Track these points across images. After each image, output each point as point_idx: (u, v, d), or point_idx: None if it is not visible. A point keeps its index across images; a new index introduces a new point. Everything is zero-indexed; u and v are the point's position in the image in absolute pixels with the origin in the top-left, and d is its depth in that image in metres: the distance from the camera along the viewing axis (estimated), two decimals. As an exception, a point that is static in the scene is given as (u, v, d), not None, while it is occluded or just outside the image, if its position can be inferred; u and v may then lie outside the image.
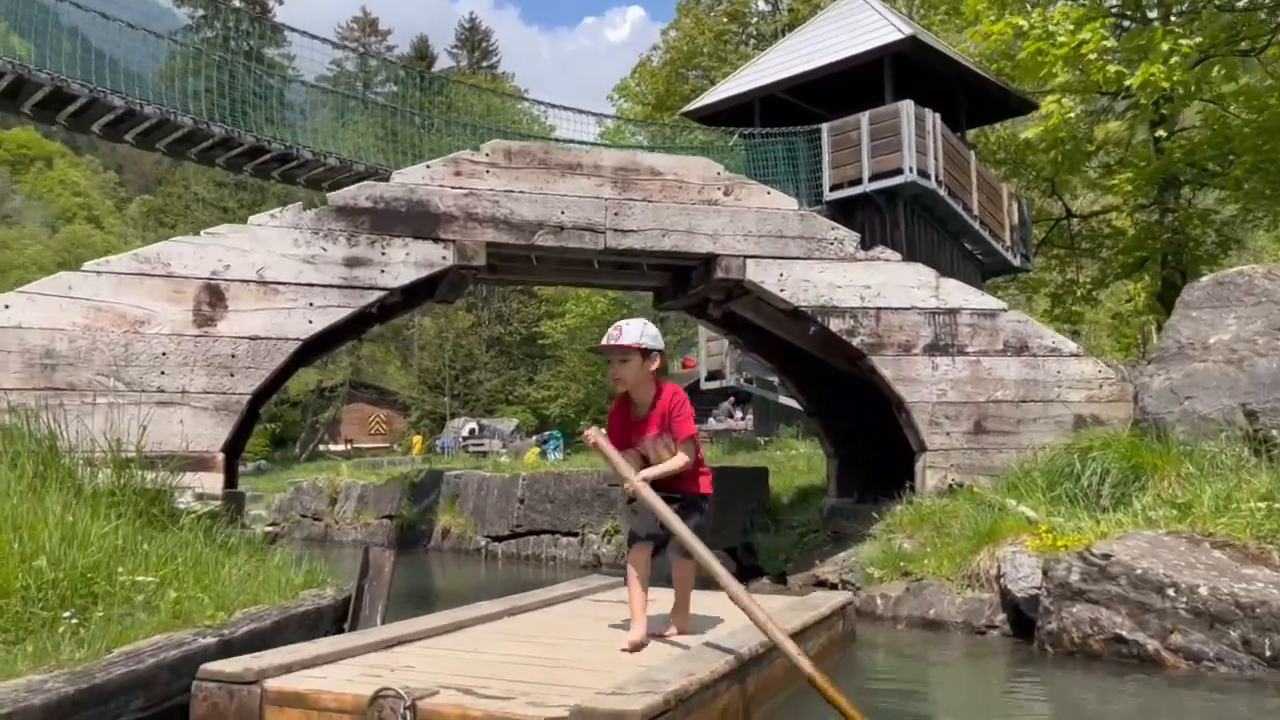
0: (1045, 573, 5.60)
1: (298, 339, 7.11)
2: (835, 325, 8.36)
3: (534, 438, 30.87)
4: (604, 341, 4.24)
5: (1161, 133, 19.11)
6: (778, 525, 10.21)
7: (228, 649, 4.15)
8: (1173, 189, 21.72)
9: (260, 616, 4.62)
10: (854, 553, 8.22)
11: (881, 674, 5.47)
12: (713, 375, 23.06)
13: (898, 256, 8.71)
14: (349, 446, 45.92)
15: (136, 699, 3.59)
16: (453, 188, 7.58)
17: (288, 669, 3.64)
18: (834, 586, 8.27)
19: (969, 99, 19.22)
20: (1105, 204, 25.16)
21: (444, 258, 7.50)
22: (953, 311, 8.63)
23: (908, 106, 16.60)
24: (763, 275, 8.21)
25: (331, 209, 7.33)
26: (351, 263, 7.30)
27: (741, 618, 4.03)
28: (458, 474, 15.67)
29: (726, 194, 8.20)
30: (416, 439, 37.16)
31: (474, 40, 60.56)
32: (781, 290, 8.24)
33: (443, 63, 57.58)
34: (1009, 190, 21.90)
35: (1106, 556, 5.24)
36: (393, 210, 7.43)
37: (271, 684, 3.48)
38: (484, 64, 59.79)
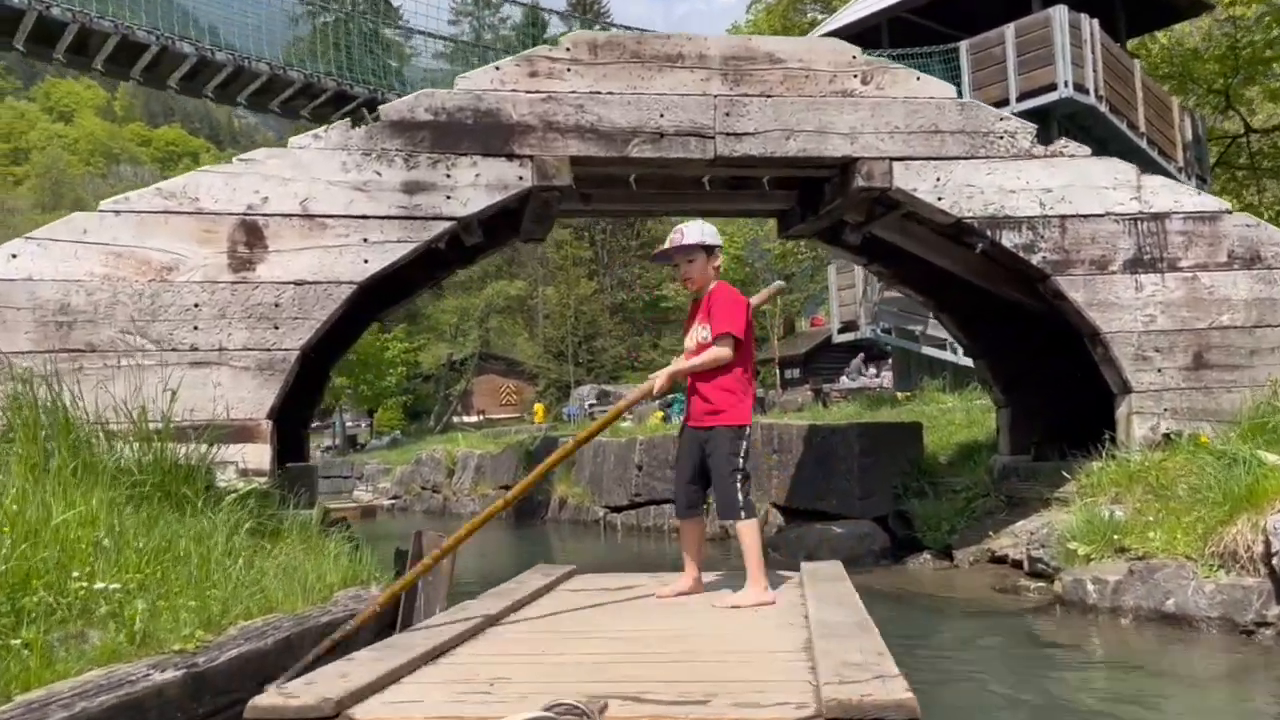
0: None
1: (352, 282, 5.95)
2: (1009, 240, 6.68)
3: (656, 401, 29.74)
4: (667, 245, 4.29)
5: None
6: (936, 490, 8.61)
7: (198, 686, 2.97)
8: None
9: (262, 633, 3.44)
10: (1043, 522, 6.59)
11: (1116, 695, 3.93)
12: (846, 327, 21.27)
13: (1086, 150, 6.94)
14: (481, 417, 46.30)
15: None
16: (528, 92, 6.25)
17: (375, 689, 2.73)
18: (1017, 565, 6.69)
19: (1128, 2, 16.93)
20: (1291, 114, 22.26)
21: (520, 178, 6.20)
22: (1160, 217, 6.82)
23: (1060, 13, 14.65)
24: (914, 181, 6.60)
25: (385, 125, 6.12)
26: (411, 188, 6.07)
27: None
28: (573, 440, 14.56)
29: (865, 82, 6.61)
30: (538, 407, 36.54)
31: (585, 4, 59.38)
32: (939, 199, 6.62)
33: (554, 28, 56.61)
34: (1180, 104, 19.31)
35: None
36: (457, 123, 6.16)
37: (362, 715, 2.54)
38: (596, 27, 58.48)
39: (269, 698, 2.59)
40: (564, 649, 3.32)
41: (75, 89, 78.33)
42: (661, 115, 6.35)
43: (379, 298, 7.45)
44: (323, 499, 20.88)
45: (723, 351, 4.05)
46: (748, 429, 4.10)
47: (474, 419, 46.21)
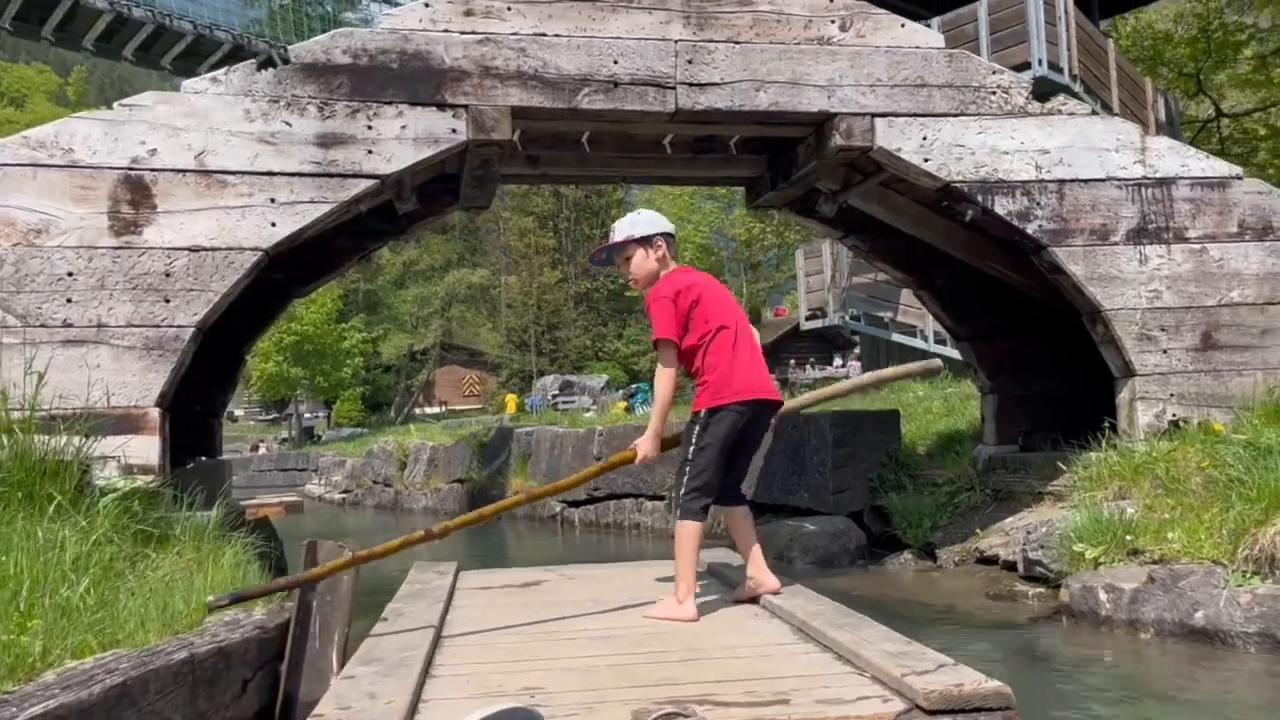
0: None
1: (257, 249, 5.15)
2: (1002, 207, 6.01)
3: (620, 392, 29.11)
4: (598, 248, 4.02)
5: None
6: (916, 483, 7.95)
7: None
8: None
9: (89, 678, 2.66)
10: (1041, 520, 5.94)
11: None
12: (814, 315, 20.67)
13: (1085, 108, 6.29)
14: (444, 409, 45.48)
15: None
16: (462, 33, 5.47)
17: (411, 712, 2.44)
18: (1010, 567, 6.04)
19: (1102, -20, 16.53)
20: (1262, 99, 21.97)
21: (454, 131, 5.42)
22: (1166, 182, 6.19)
23: (1035, -12, 14.07)
24: (898, 140, 5.91)
25: (296, 68, 5.31)
26: (327, 141, 5.28)
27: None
28: (529, 431, 13.77)
29: (844, 28, 5.90)
30: (510, 398, 35.56)
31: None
32: (925, 161, 5.93)
33: None
34: (1153, 85, 18.92)
35: None
36: (380, 67, 5.37)
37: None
38: None
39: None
40: (558, 652, 3.07)
41: (27, 74, 75.94)
42: (615, 62, 5.60)
43: (299, 270, 6.65)
44: (275, 492, 20.00)
45: (662, 370, 3.63)
46: (700, 415, 3.57)
47: (436, 410, 45.43)
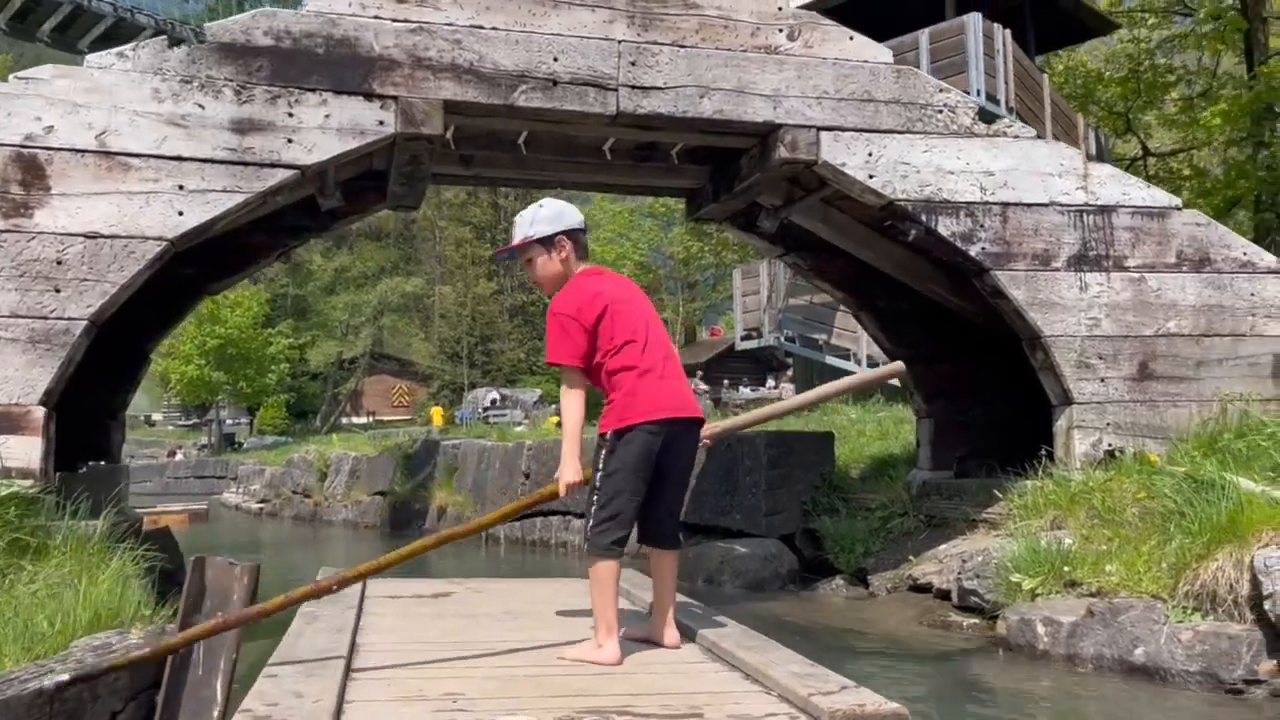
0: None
1: (162, 239, 4.78)
2: (945, 228, 5.91)
3: (553, 406, 28.76)
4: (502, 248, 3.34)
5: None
6: (850, 506, 7.80)
7: None
8: (1269, 120, 19.29)
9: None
10: (977, 549, 5.81)
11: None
12: (749, 335, 20.63)
13: (1031, 132, 6.24)
14: (371, 419, 44.61)
15: None
16: (394, 20, 5.18)
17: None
18: (944, 595, 5.90)
19: (1039, 18, 16.82)
20: (1186, 139, 22.65)
21: (382, 123, 5.12)
22: (1107, 209, 6.15)
23: (975, 20, 14.36)
24: (843, 155, 5.76)
25: (213, 47, 4.97)
26: (243, 127, 4.94)
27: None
28: (456, 444, 13.38)
29: (792, 38, 5.75)
30: (435, 410, 34.69)
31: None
32: (870, 177, 5.79)
33: None
34: (1085, 120, 19.36)
35: None
36: (304, 51, 5.05)
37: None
38: None
39: None
40: (476, 661, 3.05)
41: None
42: (555, 59, 5.36)
43: (212, 265, 6.26)
44: (192, 500, 19.18)
45: (567, 391, 3.20)
46: (607, 437, 3.16)
47: (364, 420, 44.50)
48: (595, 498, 3.12)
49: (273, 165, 4.96)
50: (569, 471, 3.16)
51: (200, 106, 4.89)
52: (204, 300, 6.98)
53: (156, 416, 56.01)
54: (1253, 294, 6.27)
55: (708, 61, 5.58)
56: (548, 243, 3.28)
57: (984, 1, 14.89)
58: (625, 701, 2.60)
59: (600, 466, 3.13)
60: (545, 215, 3.31)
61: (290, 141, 4.98)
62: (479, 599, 4.31)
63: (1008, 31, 14.82)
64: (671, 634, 3.29)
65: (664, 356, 3.24)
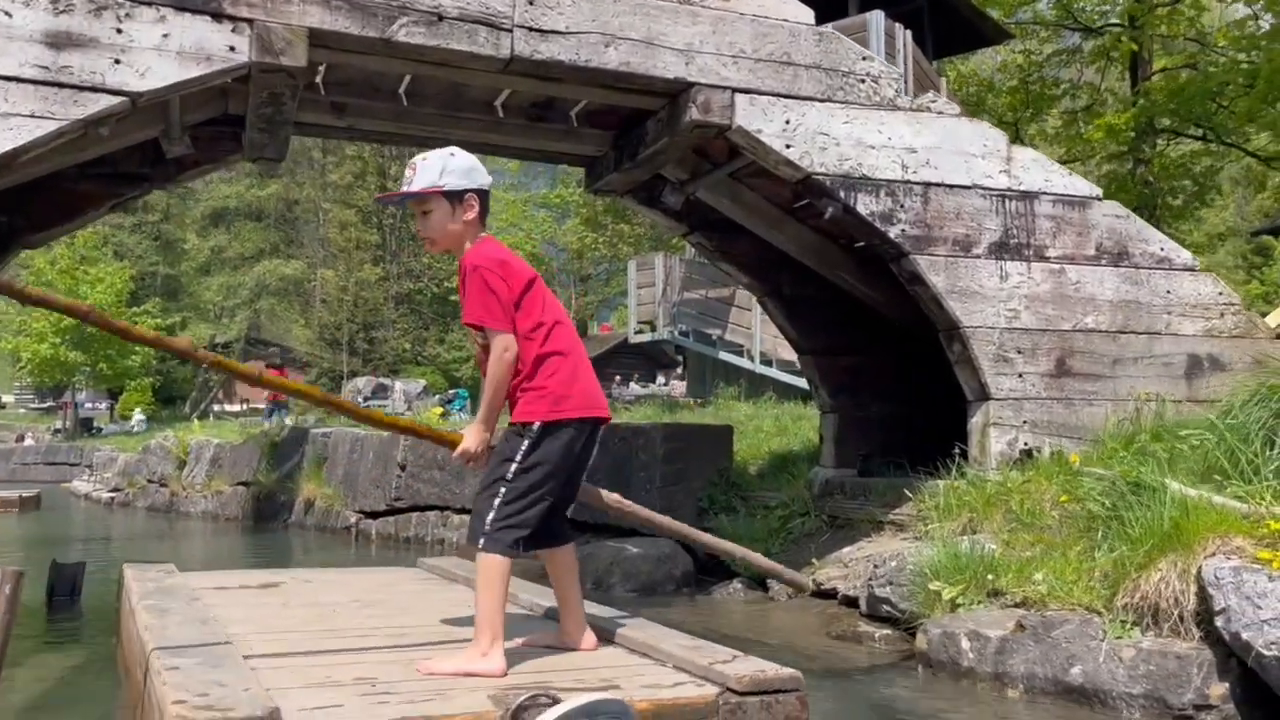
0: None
1: (-50, 170, 3.94)
2: (864, 206, 5.48)
3: (437, 397, 27.81)
4: (400, 188, 3.03)
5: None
6: (748, 505, 7.36)
7: None
8: (1150, 135, 19.95)
9: None
10: (885, 551, 5.40)
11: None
12: (643, 328, 20.18)
13: (955, 108, 5.87)
14: (245, 406, 42.58)
15: None
16: (252, -70, 4.44)
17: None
18: (850, 602, 5.48)
19: (937, 23, 16.90)
20: (1069, 153, 23.27)
21: (233, 49, 4.37)
22: (1029, 196, 5.83)
23: (877, 18, 14.28)
24: (760, 122, 5.27)
25: (23, -56, 4.13)
26: (59, 42, 4.12)
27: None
28: (326, 433, 12.45)
29: (707, -12, 5.22)
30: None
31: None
32: (787, 147, 5.31)
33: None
34: (980, 128, 19.56)
35: None
36: (139, -43, 4.26)
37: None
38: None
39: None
40: (362, 646, 3.07)
41: None
42: (442, -10, 4.69)
43: (31, 213, 5.37)
44: (39, 487, 17.57)
45: (502, 355, 2.84)
46: (533, 427, 2.85)
47: (237, 408, 42.41)
48: (502, 489, 2.79)
49: (95, 89, 4.15)
50: (475, 438, 2.91)
51: (7, 14, 4.05)
52: (19, 253, 6.03)
53: (8, 398, 52.58)
54: (1168, 291, 6.06)
55: (615, 7, 5.01)
56: (455, 197, 2.94)
57: (886, 2, 14.87)
58: (542, 679, 2.69)
59: (518, 458, 2.80)
60: (457, 166, 2.95)
61: (118, 63, 4.18)
62: (315, 589, 4.26)
63: (909, 33, 14.75)
64: (589, 637, 3.09)
65: (584, 349, 3.05)
